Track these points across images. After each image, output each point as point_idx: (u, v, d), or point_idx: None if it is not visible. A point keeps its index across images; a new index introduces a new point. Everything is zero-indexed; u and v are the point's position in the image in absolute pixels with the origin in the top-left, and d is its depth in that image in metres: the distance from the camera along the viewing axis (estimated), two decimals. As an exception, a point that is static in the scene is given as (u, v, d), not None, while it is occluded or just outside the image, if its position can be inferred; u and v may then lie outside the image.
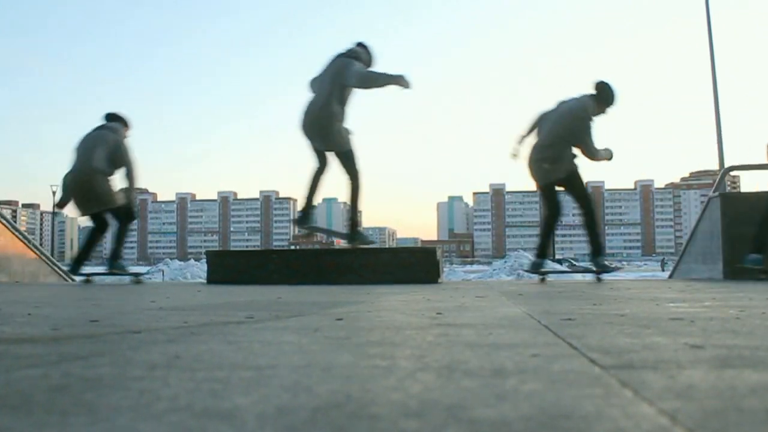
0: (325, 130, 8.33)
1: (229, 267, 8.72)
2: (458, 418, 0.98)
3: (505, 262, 32.41)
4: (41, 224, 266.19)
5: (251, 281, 8.04)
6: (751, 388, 1.20)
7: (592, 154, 8.34)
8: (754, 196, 8.82)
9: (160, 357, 1.66)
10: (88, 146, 9.11)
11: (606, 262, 8.56)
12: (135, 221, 9.91)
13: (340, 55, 8.57)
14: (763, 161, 8.95)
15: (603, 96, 8.37)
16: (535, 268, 8.68)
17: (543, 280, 8.50)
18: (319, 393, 1.17)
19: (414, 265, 8.16)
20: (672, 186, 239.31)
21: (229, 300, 4.62)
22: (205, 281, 9.03)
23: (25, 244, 10.79)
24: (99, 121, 9.53)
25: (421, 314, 3.10)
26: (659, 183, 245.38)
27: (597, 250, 8.45)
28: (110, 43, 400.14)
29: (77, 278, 9.63)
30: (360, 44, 8.76)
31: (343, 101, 8.38)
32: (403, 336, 2.14)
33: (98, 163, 8.97)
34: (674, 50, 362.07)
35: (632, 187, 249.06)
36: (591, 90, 8.40)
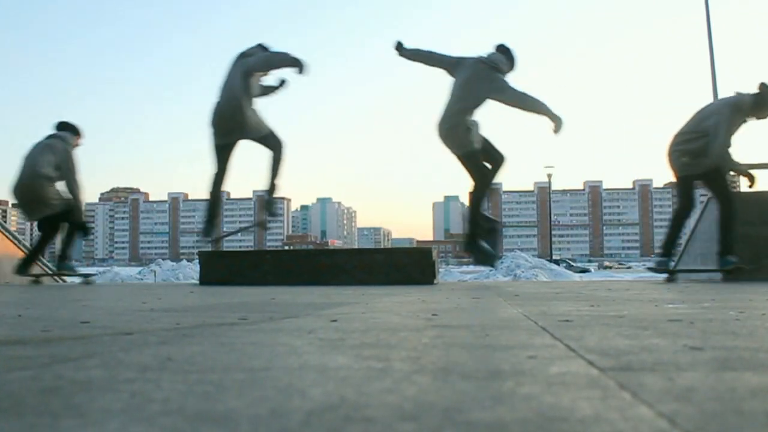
0: (238, 119, 8.68)
1: (222, 268, 8.72)
2: (454, 420, 0.98)
3: (502, 262, 32.43)
4: (32, 224, 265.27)
5: (244, 282, 8.05)
6: (751, 391, 1.20)
7: (715, 151, 8.01)
8: (754, 195, 8.83)
9: (151, 359, 1.66)
10: (34, 154, 9.28)
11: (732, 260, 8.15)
12: (88, 233, 10.06)
13: (241, 55, 9.03)
14: (764, 161, 8.95)
15: (766, 99, 8.06)
16: (661, 266, 8.54)
17: (671, 279, 8.34)
18: (313, 395, 1.17)
19: (409, 265, 8.17)
20: (671, 185, 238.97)
21: (222, 301, 4.62)
22: (197, 282, 9.05)
23: (15, 244, 10.78)
24: (51, 129, 9.65)
25: (416, 315, 3.10)
26: (658, 182, 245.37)
27: (725, 249, 8.15)
28: (100, 39, 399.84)
29: (25, 278, 9.61)
30: (260, 45, 9.21)
31: (250, 92, 8.84)
32: (398, 338, 2.14)
33: (43, 169, 9.14)
34: (673, 48, 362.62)
35: (630, 186, 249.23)
36: (756, 90, 8.08)
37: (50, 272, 10.14)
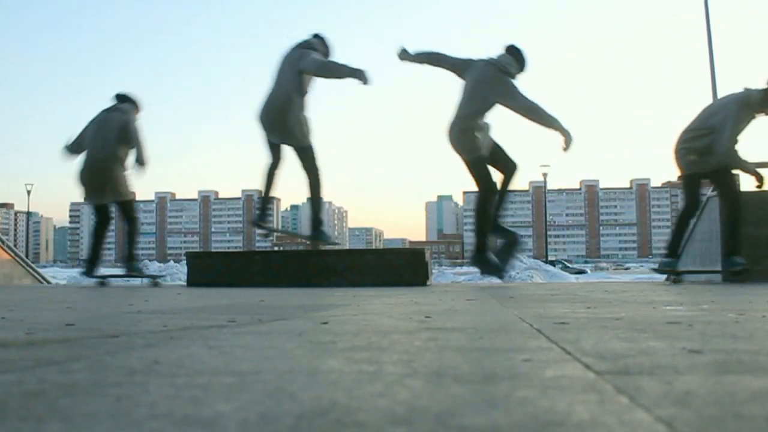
0: (284, 121, 8.35)
1: (211, 269, 8.72)
2: (447, 425, 0.98)
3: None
4: (15, 225, 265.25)
5: (233, 284, 8.04)
6: (751, 395, 1.20)
7: (723, 147, 7.98)
8: (754, 195, 8.85)
9: (138, 362, 1.66)
10: (99, 131, 9.03)
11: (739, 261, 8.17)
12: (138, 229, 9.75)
13: (297, 46, 8.61)
14: (764, 159, 8.96)
15: None
16: (666, 267, 8.56)
17: (676, 280, 8.36)
18: (304, 399, 1.17)
19: (402, 266, 8.17)
20: (669, 185, 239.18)
21: (211, 303, 4.62)
22: (185, 284, 9.03)
23: (1, 247, 10.76)
24: (108, 102, 9.47)
25: (409, 318, 3.10)
26: (656, 182, 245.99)
27: (732, 250, 8.17)
28: (87, 38, 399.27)
29: (92, 281, 9.45)
30: (316, 36, 8.78)
31: (302, 91, 8.42)
32: (390, 340, 2.14)
33: (112, 150, 8.91)
34: (672, 46, 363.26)
35: (628, 186, 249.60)
36: (764, 85, 8.02)
37: (119, 274, 9.83)
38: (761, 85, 8.02)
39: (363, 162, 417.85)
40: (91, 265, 9.44)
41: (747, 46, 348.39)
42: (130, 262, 9.40)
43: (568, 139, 7.76)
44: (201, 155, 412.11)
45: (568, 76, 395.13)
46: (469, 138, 7.97)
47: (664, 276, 8.58)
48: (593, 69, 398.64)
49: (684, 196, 8.55)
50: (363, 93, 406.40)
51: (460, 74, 8.35)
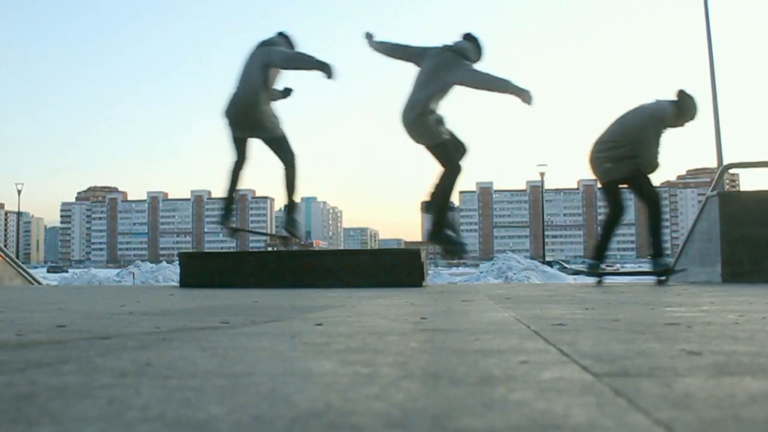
0: (252, 114, 8.40)
1: (204, 269, 8.70)
2: (444, 428, 0.98)
3: (493, 264, 32.42)
4: (5, 225, 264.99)
5: (226, 284, 8.03)
6: (751, 397, 1.20)
7: (650, 163, 8.30)
8: (755, 195, 8.86)
9: (130, 364, 1.66)
10: (245, 66, 8.73)
11: (669, 263, 8.56)
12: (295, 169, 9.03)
13: (261, 44, 8.69)
14: (764, 159, 9.00)
15: (685, 108, 8.25)
16: (593, 269, 8.69)
17: (600, 282, 8.52)
18: (298, 402, 1.17)
19: (397, 267, 8.16)
20: (668, 184, 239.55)
21: (203, 304, 4.61)
22: (177, 284, 9.02)
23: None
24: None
25: (404, 319, 3.10)
26: (655, 181, 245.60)
27: (658, 252, 8.42)
28: (78, 36, 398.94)
29: (224, 229, 9.13)
30: (281, 33, 8.87)
31: (268, 85, 8.51)
32: (385, 342, 2.14)
33: (255, 84, 8.56)
34: (672, 43, 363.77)
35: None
36: (673, 97, 8.27)
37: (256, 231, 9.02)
38: (672, 97, 8.26)
39: (358, 161, 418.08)
40: (226, 213, 9.04)
41: (747, 40, 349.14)
42: (290, 215, 9.12)
43: (526, 96, 7.77)
44: (194, 154, 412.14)
45: (564, 74, 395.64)
46: (430, 123, 7.98)
47: (596, 279, 8.66)
48: (590, 68, 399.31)
49: (607, 204, 8.78)
50: (365, 93, 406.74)
51: (416, 62, 8.32)
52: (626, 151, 8.24)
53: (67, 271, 47.37)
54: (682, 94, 8.23)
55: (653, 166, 8.30)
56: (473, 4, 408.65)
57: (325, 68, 8.13)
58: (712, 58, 19.67)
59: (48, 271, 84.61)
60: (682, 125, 8.28)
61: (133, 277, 34.50)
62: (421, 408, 1.12)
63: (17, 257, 12.04)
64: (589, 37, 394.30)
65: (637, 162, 8.22)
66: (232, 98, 8.53)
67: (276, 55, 8.45)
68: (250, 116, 8.41)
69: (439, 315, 3.38)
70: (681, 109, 8.20)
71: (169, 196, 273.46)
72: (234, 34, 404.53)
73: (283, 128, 8.66)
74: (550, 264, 46.94)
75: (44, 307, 4.34)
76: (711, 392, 1.25)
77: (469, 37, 8.29)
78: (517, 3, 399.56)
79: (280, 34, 8.87)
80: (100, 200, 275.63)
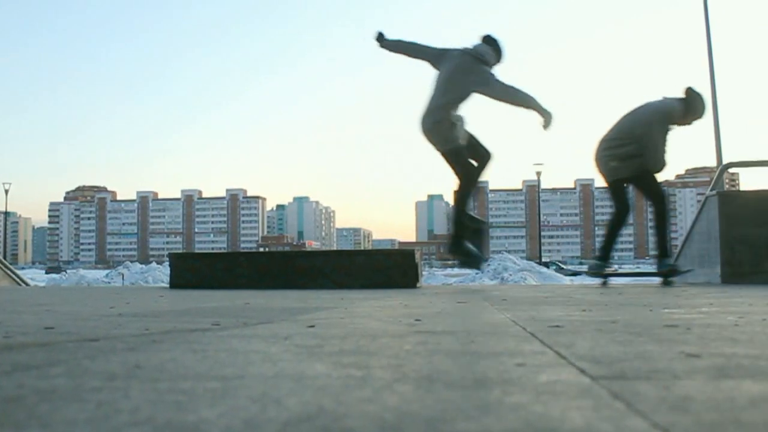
0: (427, 126, 8.08)
1: (194, 271, 8.70)
2: (438, 431, 0.98)
3: (489, 265, 32.48)
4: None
5: (217, 286, 8.03)
6: (751, 400, 1.20)
7: (657, 162, 8.28)
8: (754, 194, 8.88)
9: (119, 367, 1.66)
10: (451, 76, 8.15)
11: (673, 264, 8.62)
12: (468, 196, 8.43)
13: (469, 54, 8.15)
14: (764, 158, 9.01)
15: (693, 105, 8.25)
16: (597, 270, 8.69)
17: (605, 283, 8.52)
18: (290, 405, 1.17)
19: (391, 268, 8.16)
20: (666, 184, 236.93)
21: (194, 306, 4.61)
22: (168, 286, 9.02)
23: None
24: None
25: (398, 321, 3.10)
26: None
27: (664, 252, 8.44)
28: (66, 34, 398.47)
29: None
30: (487, 38, 8.34)
31: (457, 104, 8.08)
32: (379, 344, 2.14)
33: (440, 96, 8.11)
34: (670, 41, 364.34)
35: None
36: (681, 95, 8.26)
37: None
38: (679, 95, 8.26)
39: (351, 161, 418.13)
40: (457, 239, 8.27)
41: (747, 38, 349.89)
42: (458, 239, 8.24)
43: (547, 119, 7.74)
44: (184, 153, 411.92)
45: (561, 72, 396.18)
46: (445, 128, 7.89)
47: (601, 280, 8.63)
48: (587, 67, 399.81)
49: (612, 203, 8.69)
50: (358, 92, 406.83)
51: (434, 64, 8.26)
52: (632, 149, 8.23)
53: (66, 272, 47.60)
54: (690, 91, 8.23)
55: (660, 164, 8.29)
56: (473, 4, 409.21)
57: (545, 116, 7.81)
58: (712, 56, 19.67)
59: (47, 273, 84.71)
60: (689, 123, 8.29)
61: (123, 278, 34.48)
62: (415, 411, 1.12)
63: (4, 258, 12.03)
64: (588, 36, 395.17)
65: (644, 161, 8.20)
66: (425, 107, 8.12)
67: (495, 85, 7.95)
68: (427, 127, 8.03)
69: (433, 317, 3.38)
70: (689, 107, 8.20)
71: (159, 196, 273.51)
72: (225, 33, 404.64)
73: (458, 141, 8.06)
74: (546, 265, 47.06)
75: (32, 309, 4.33)
76: (710, 395, 1.25)
77: (488, 40, 8.22)
78: (516, 3, 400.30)
79: (487, 38, 8.30)
80: (89, 200, 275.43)
